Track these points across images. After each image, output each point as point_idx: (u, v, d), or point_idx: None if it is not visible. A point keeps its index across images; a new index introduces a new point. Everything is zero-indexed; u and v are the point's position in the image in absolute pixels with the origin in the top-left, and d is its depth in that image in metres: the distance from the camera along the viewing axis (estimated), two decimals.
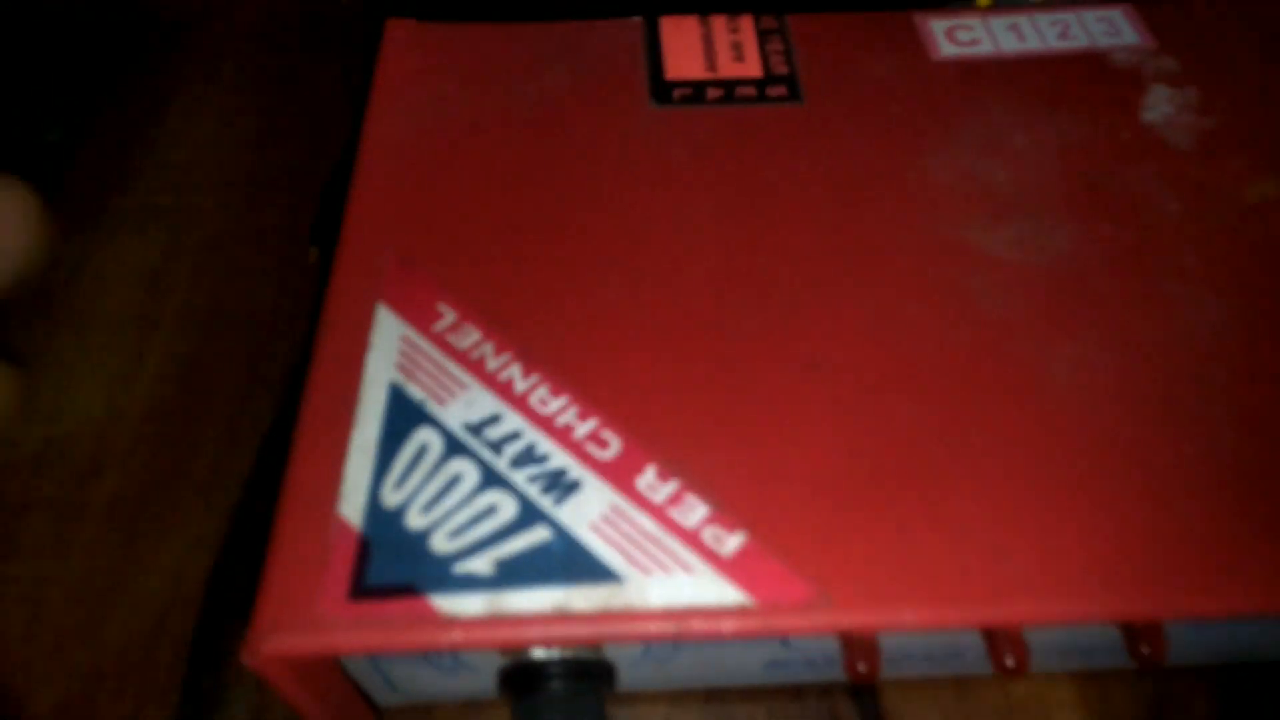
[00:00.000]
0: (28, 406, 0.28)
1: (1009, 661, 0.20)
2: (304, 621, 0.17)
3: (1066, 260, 0.23)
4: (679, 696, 0.25)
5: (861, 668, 0.20)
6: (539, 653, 0.20)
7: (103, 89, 0.38)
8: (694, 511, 0.19)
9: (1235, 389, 0.20)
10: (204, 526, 0.25)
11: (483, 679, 0.22)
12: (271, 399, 0.28)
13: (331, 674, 0.20)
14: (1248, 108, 0.26)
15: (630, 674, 0.22)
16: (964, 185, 0.24)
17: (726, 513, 0.19)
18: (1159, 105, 0.26)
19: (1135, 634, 0.20)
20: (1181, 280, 0.22)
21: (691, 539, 0.18)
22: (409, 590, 0.18)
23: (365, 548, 0.18)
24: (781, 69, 0.27)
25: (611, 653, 0.21)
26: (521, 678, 0.20)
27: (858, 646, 0.20)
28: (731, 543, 0.18)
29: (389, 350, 0.21)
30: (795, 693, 0.23)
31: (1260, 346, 0.21)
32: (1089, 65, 0.27)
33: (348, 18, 0.40)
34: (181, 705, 0.23)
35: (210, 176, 0.35)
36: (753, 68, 0.27)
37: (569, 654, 0.20)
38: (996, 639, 0.20)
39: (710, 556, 0.18)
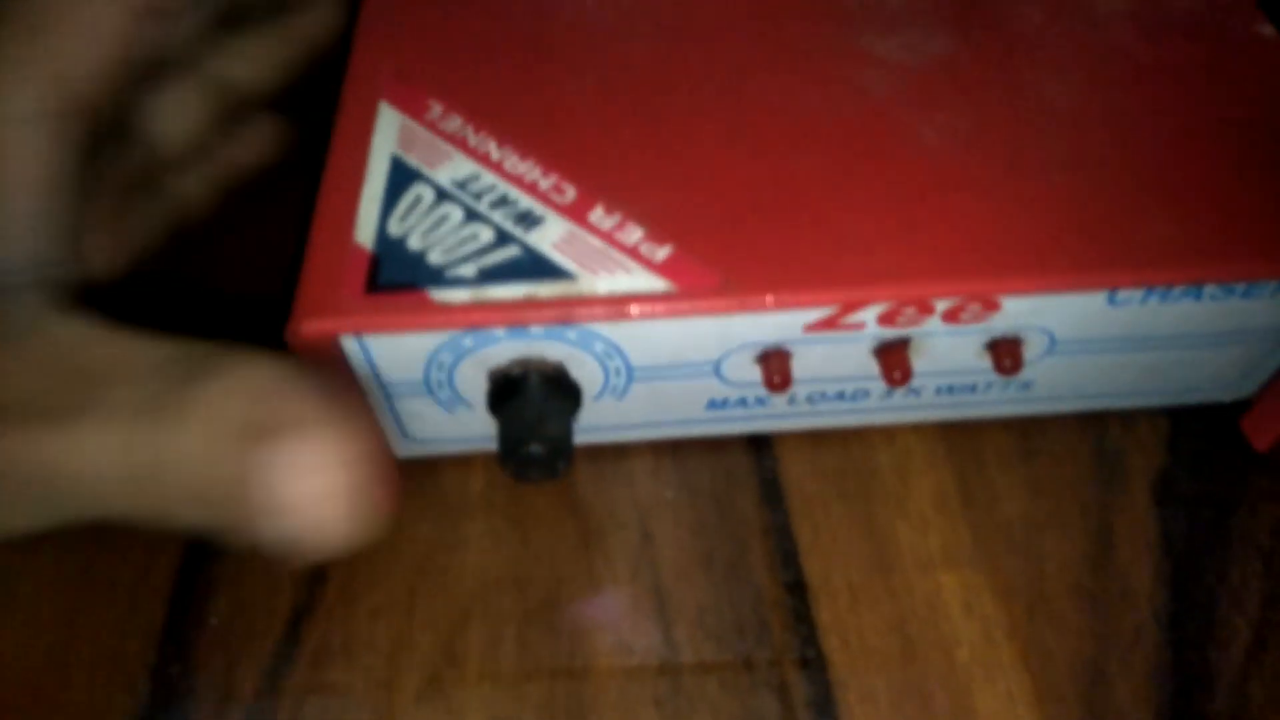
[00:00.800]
0: None
1: (896, 375, 0.26)
2: (332, 307, 0.22)
3: (944, 59, 0.28)
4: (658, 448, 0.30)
5: (776, 379, 0.25)
6: (517, 370, 0.25)
7: None
8: (633, 234, 0.24)
9: (1065, 142, 0.25)
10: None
11: (475, 419, 0.27)
12: None
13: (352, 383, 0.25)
14: None
15: (595, 411, 0.27)
16: (862, 6, 0.29)
17: (658, 233, 0.24)
18: None
19: (998, 350, 0.26)
20: (1034, 69, 0.27)
21: (631, 251, 0.23)
22: (411, 286, 0.23)
23: (376, 260, 0.23)
24: None
25: (577, 374, 0.26)
26: (504, 388, 0.25)
27: (774, 362, 0.25)
28: (661, 252, 0.23)
29: (390, 132, 0.26)
30: (746, 664, 0.26)
31: (1090, 109, 0.26)
32: None
33: None
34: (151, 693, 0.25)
35: None
36: None
37: (543, 370, 0.25)
38: (887, 358, 0.25)
39: (645, 262, 0.23)
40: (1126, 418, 0.30)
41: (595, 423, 0.28)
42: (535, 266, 0.23)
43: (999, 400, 0.29)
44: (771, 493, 0.29)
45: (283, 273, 0.27)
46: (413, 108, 0.27)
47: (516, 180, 0.25)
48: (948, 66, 0.27)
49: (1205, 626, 0.26)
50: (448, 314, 0.22)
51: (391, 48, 0.28)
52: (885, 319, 0.25)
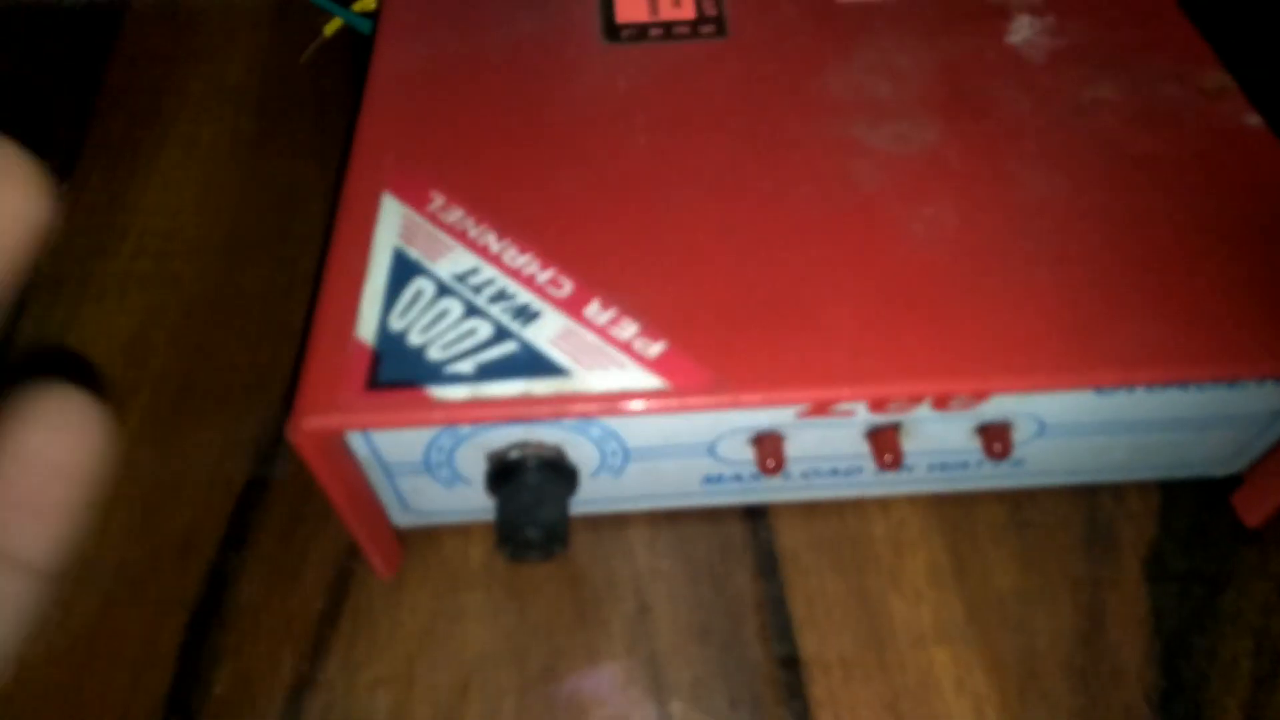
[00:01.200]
0: None
1: (887, 458, 0.26)
2: (333, 405, 0.23)
3: (932, 149, 0.28)
4: (655, 519, 0.30)
5: (770, 463, 0.26)
6: (515, 454, 0.26)
7: (84, 158, 0.40)
8: (627, 329, 0.25)
9: (1052, 236, 0.26)
10: (180, 586, 0.29)
11: (474, 493, 0.28)
12: (247, 464, 0.31)
13: (353, 468, 0.26)
14: (1093, 30, 0.31)
15: (591, 486, 0.28)
16: (855, 96, 0.30)
17: (652, 329, 0.24)
18: (1021, 30, 0.32)
19: (988, 435, 0.26)
20: (1021, 161, 0.28)
21: (625, 347, 0.24)
22: (411, 383, 0.24)
23: (377, 356, 0.24)
24: (712, 12, 0.33)
25: (573, 456, 0.26)
26: (502, 472, 0.26)
27: (768, 445, 0.26)
28: (655, 348, 0.24)
29: (393, 224, 0.27)
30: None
31: (1077, 203, 0.27)
32: (967, 2, 0.33)
33: (312, 76, 0.42)
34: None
35: (189, 243, 0.37)
36: (688, 11, 0.33)
37: (540, 454, 0.26)
38: (878, 441, 0.26)
39: (638, 358, 0.24)
40: (1118, 489, 0.31)
41: (593, 496, 0.28)
42: (532, 362, 0.24)
43: (991, 475, 0.29)
44: (767, 564, 0.30)
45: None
46: (415, 198, 0.27)
47: (515, 274, 0.26)
48: (937, 157, 0.28)
49: (1195, 708, 0.27)
50: (446, 411, 0.23)
51: (394, 138, 0.29)
52: (875, 406, 0.25)
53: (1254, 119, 0.28)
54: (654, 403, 0.23)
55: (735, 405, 0.23)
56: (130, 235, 0.38)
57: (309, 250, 0.37)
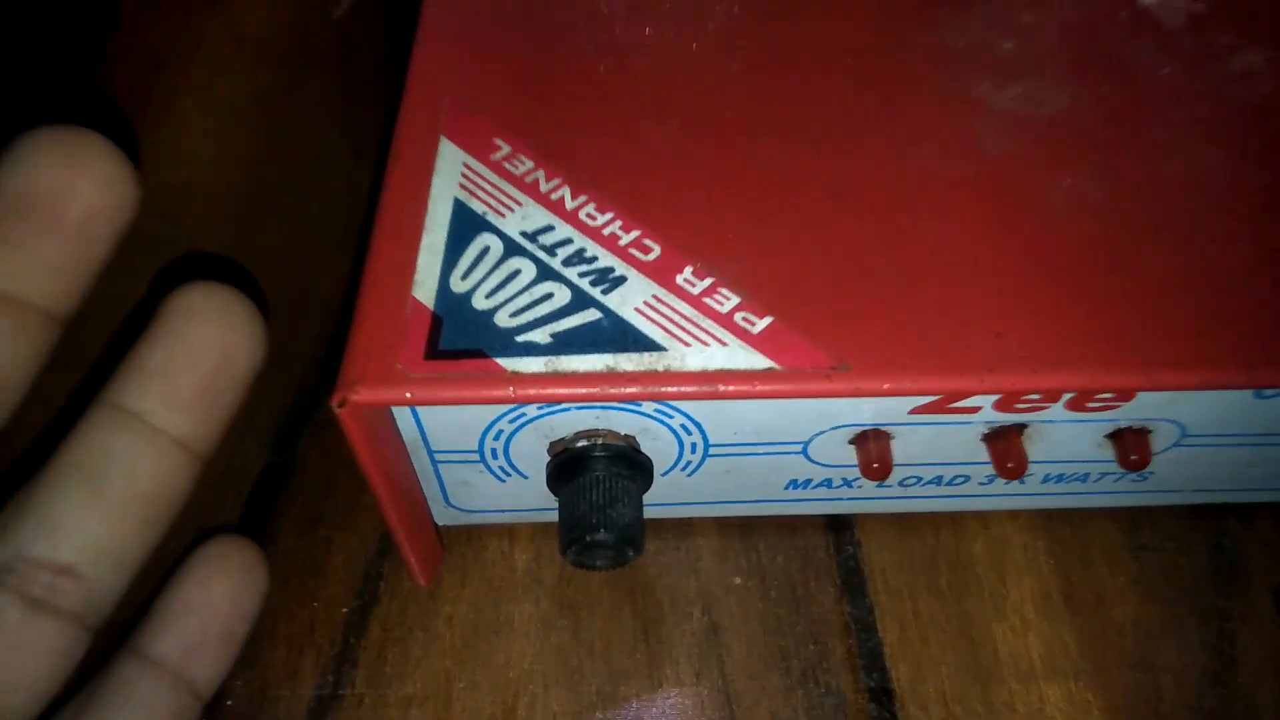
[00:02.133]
0: None
1: (1009, 466, 0.23)
2: (386, 375, 0.20)
3: (1067, 113, 0.25)
4: (725, 526, 0.27)
5: (876, 466, 0.23)
6: (582, 443, 0.23)
7: (96, 111, 0.36)
8: (727, 301, 0.21)
9: (1210, 216, 0.23)
10: None
11: (528, 488, 0.24)
12: (264, 450, 0.28)
13: (400, 454, 0.22)
14: None
15: (661, 484, 0.24)
16: (975, 53, 0.27)
17: (756, 303, 0.21)
18: None
19: (1124, 442, 0.23)
20: (1167, 130, 0.25)
21: (725, 321, 0.21)
22: (477, 353, 0.20)
23: (438, 321, 0.20)
24: None
25: (647, 447, 0.23)
26: (568, 464, 0.23)
27: (873, 446, 0.23)
28: (761, 324, 0.21)
29: (452, 174, 0.23)
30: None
31: (1237, 179, 0.23)
32: None
33: (340, 31, 0.39)
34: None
35: (203, 201, 0.34)
36: None
37: (611, 444, 0.22)
38: (998, 446, 0.22)
39: (742, 334, 0.20)
40: (1245, 511, 0.27)
41: (661, 498, 0.25)
42: (617, 334, 0.20)
43: (1111, 490, 0.26)
44: (853, 583, 0.26)
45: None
46: (477, 146, 0.24)
47: (595, 234, 0.22)
48: (1073, 123, 0.25)
49: None
50: (520, 385, 0.20)
51: (453, 75, 0.25)
52: (1002, 404, 0.22)
53: None
54: (763, 386, 0.20)
55: (860, 392, 0.20)
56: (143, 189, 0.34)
57: (334, 213, 0.33)
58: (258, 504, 0.27)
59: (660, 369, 0.20)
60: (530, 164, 0.24)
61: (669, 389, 0.20)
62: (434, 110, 0.25)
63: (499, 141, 0.24)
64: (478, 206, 0.23)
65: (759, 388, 0.20)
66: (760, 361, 0.20)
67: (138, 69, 0.38)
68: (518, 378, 0.20)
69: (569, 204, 0.23)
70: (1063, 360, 0.20)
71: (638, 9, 0.27)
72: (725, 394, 0.20)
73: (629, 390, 0.20)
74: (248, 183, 0.35)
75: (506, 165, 0.24)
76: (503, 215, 0.23)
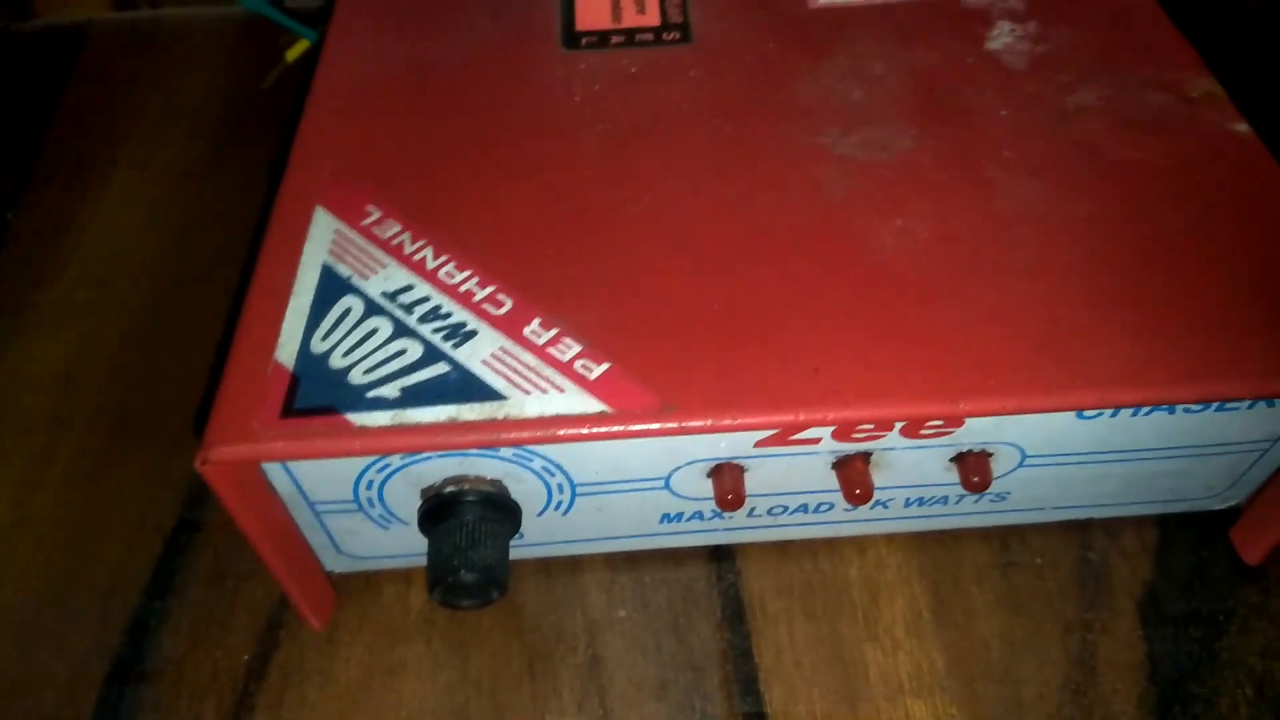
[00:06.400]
0: None
1: (857, 493, 0.24)
2: (244, 434, 0.21)
3: (905, 157, 0.27)
4: (613, 561, 0.28)
5: (729, 497, 0.24)
6: (449, 488, 0.24)
7: (35, 179, 0.38)
8: (569, 349, 0.22)
9: (1032, 248, 0.24)
10: (101, 634, 0.27)
11: (412, 534, 0.25)
12: (179, 505, 0.29)
13: (276, 506, 0.24)
14: (1076, 36, 0.30)
15: (539, 525, 0.25)
16: (825, 103, 0.28)
17: (596, 350, 0.22)
18: (1001, 36, 0.30)
19: (966, 465, 0.24)
20: (1000, 169, 0.26)
21: (565, 369, 0.22)
22: (329, 410, 0.21)
23: (296, 380, 0.22)
24: (677, 18, 0.31)
25: (515, 491, 0.24)
26: (435, 509, 0.24)
27: (726, 478, 0.24)
28: (598, 370, 0.22)
29: (323, 240, 0.25)
30: None
31: (1058, 212, 0.25)
32: (946, 8, 0.31)
33: (271, 100, 0.41)
34: None
35: (133, 269, 0.35)
36: (652, 18, 0.31)
37: (477, 489, 0.24)
38: (845, 473, 0.24)
39: (580, 380, 0.22)
40: (1112, 525, 0.28)
41: (542, 536, 0.26)
42: (463, 385, 0.22)
43: (974, 511, 0.27)
44: (732, 611, 0.27)
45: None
46: (350, 212, 0.25)
47: (452, 291, 0.24)
48: (910, 165, 0.26)
49: None
50: (365, 439, 0.21)
51: (333, 149, 0.27)
52: (840, 434, 0.23)
53: (1241, 127, 0.27)
54: (594, 429, 0.21)
55: (683, 431, 0.21)
56: (74, 261, 0.36)
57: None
58: (169, 559, 0.29)
59: (500, 417, 0.21)
60: (398, 227, 0.25)
61: (507, 435, 0.21)
62: (313, 179, 0.26)
63: (370, 208, 0.26)
64: (344, 270, 0.24)
65: (592, 430, 0.21)
66: (595, 405, 0.21)
67: (81, 142, 0.40)
68: (364, 431, 0.21)
69: (430, 264, 0.24)
70: (871, 392, 0.21)
71: (514, 88, 0.29)
72: (560, 438, 0.21)
73: (469, 439, 0.21)
74: (177, 250, 0.36)
75: (375, 230, 0.25)
76: (366, 277, 0.24)
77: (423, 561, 0.26)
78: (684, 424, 0.21)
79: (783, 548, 0.28)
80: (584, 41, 0.31)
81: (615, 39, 0.31)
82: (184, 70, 0.43)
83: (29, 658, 0.27)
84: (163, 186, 0.39)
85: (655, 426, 0.21)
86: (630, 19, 0.31)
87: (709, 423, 0.21)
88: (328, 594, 0.26)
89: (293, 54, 0.42)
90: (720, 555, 0.28)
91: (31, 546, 0.29)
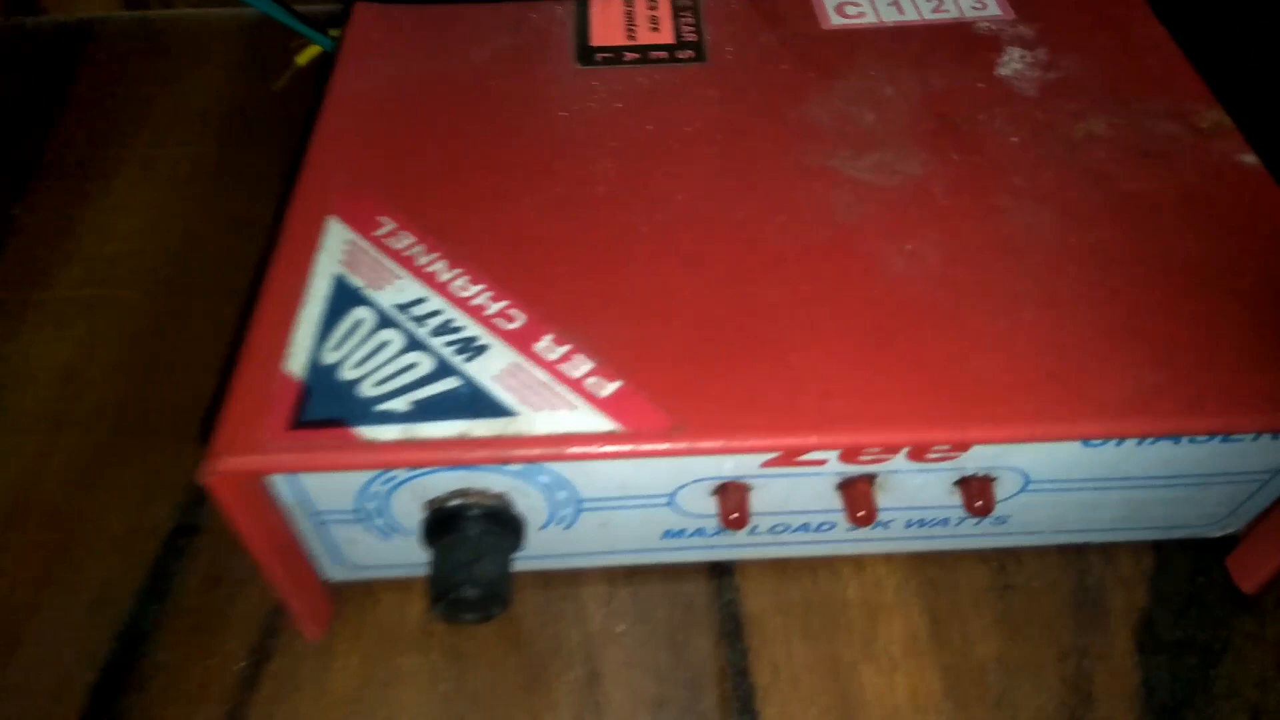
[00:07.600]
0: None
1: (860, 514, 0.24)
2: (252, 445, 0.21)
3: (916, 181, 0.27)
4: (613, 575, 0.28)
5: (734, 516, 0.24)
6: (454, 502, 0.24)
7: (39, 178, 0.38)
8: (580, 366, 0.23)
9: (1040, 276, 0.24)
10: (91, 645, 0.27)
11: (414, 543, 0.25)
12: (176, 509, 0.29)
13: (277, 516, 0.24)
14: (1086, 65, 0.30)
15: (542, 539, 0.26)
16: (836, 125, 0.28)
17: (608, 367, 0.22)
18: (1012, 63, 0.30)
19: (970, 489, 0.24)
20: (1009, 196, 0.26)
21: (576, 386, 0.22)
22: (338, 422, 0.21)
23: (305, 392, 0.22)
24: (691, 36, 0.32)
25: (520, 505, 0.24)
26: (438, 523, 0.24)
27: (731, 497, 0.24)
28: (609, 388, 0.22)
29: (336, 250, 0.25)
30: None
31: (1067, 241, 0.25)
32: (957, 32, 0.31)
33: (281, 102, 0.41)
34: None
35: (137, 269, 0.35)
36: (666, 36, 0.32)
37: (482, 503, 0.24)
38: (850, 495, 0.24)
39: (590, 398, 0.22)
40: (1108, 551, 0.29)
41: (544, 550, 0.26)
42: (473, 401, 0.22)
43: (973, 534, 0.27)
44: (731, 628, 0.27)
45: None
46: (362, 223, 0.26)
47: (464, 305, 0.24)
48: (920, 190, 0.26)
49: None
50: (373, 453, 0.21)
51: (346, 159, 0.27)
52: (846, 456, 0.23)
53: (1250, 158, 0.27)
54: (604, 447, 0.21)
55: (692, 451, 0.21)
56: (77, 259, 0.36)
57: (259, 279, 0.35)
58: (164, 564, 0.28)
59: (510, 433, 0.21)
60: (412, 239, 0.25)
61: (517, 452, 0.21)
62: (325, 189, 0.26)
63: (384, 219, 0.26)
64: (357, 281, 0.24)
65: (602, 449, 0.21)
66: (605, 424, 0.22)
67: (86, 141, 0.40)
68: (373, 445, 0.21)
69: (442, 277, 0.24)
70: (881, 417, 0.22)
71: (528, 103, 0.29)
72: (570, 456, 0.21)
73: (479, 455, 0.21)
74: (182, 253, 0.36)
75: (388, 241, 0.25)
76: (379, 289, 0.24)
77: (422, 571, 0.27)
78: (694, 444, 0.21)
79: (782, 565, 0.28)
80: (598, 58, 0.31)
81: (629, 55, 0.31)
82: (193, 70, 0.43)
83: (12, 664, 0.26)
84: (169, 187, 0.38)
85: (665, 446, 0.21)
86: (645, 36, 0.32)
87: (719, 444, 0.21)
88: (324, 603, 0.26)
89: (303, 58, 0.42)
90: (720, 571, 0.28)
91: (27, 546, 0.29)
